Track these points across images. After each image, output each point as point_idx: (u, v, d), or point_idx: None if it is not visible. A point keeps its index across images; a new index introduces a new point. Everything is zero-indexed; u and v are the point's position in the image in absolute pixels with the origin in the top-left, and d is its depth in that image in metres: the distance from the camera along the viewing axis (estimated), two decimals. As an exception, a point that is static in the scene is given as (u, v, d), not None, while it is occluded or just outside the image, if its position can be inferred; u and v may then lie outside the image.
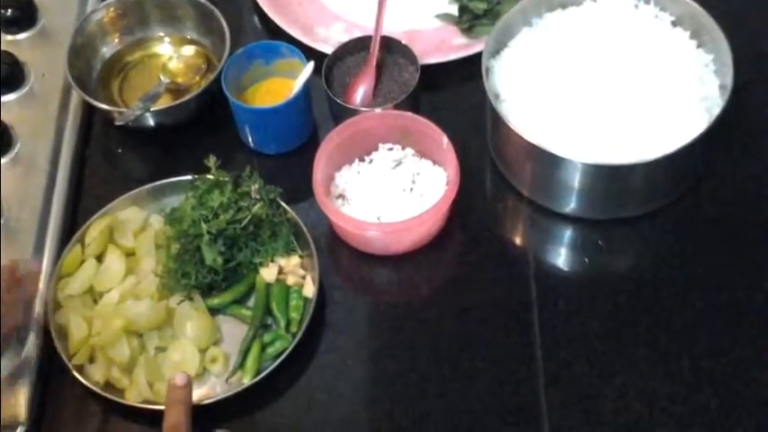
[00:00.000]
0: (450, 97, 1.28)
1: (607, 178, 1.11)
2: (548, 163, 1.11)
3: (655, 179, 1.12)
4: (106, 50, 1.31)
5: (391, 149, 1.18)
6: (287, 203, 1.14)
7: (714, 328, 1.09)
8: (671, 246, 1.16)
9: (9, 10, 1.31)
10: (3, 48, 1.28)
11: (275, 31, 1.32)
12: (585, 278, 1.15)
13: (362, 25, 1.32)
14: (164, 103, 1.24)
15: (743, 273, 1.12)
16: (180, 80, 1.27)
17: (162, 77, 1.26)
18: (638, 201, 1.15)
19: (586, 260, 1.16)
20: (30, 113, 1.22)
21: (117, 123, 1.18)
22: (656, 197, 1.16)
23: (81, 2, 1.35)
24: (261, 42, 1.25)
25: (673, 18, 1.18)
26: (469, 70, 1.22)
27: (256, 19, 1.36)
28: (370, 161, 1.18)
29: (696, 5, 1.17)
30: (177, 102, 1.22)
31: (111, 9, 1.31)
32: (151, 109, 1.21)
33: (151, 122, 1.23)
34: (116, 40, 1.32)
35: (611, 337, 1.09)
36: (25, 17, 1.32)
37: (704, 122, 1.10)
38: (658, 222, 1.17)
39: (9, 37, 1.31)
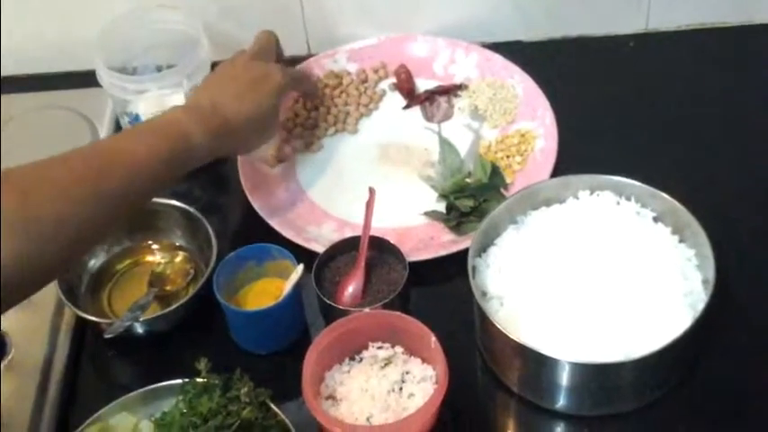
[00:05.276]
0: (439, 294, 1.29)
1: (594, 376, 1.11)
2: (535, 361, 1.11)
3: (643, 375, 1.12)
4: (95, 261, 1.32)
5: (381, 348, 1.19)
6: (277, 404, 1.13)
7: None
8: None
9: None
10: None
11: (267, 230, 1.34)
12: (580, 477, 1.14)
13: (353, 223, 1.34)
14: (153, 310, 1.25)
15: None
16: (168, 287, 1.29)
17: (150, 286, 1.28)
18: (628, 396, 1.15)
19: (580, 457, 1.15)
20: (24, 319, 1.22)
21: (106, 336, 1.19)
22: (646, 392, 1.15)
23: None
24: (253, 245, 1.26)
25: (654, 214, 1.21)
26: (458, 266, 1.23)
27: (249, 219, 1.38)
28: (360, 360, 1.19)
29: (675, 202, 1.19)
30: (166, 311, 1.23)
31: None
32: (140, 319, 1.22)
33: (141, 331, 1.24)
34: (104, 251, 1.33)
35: None
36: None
37: (689, 318, 1.10)
38: (651, 416, 1.15)
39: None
